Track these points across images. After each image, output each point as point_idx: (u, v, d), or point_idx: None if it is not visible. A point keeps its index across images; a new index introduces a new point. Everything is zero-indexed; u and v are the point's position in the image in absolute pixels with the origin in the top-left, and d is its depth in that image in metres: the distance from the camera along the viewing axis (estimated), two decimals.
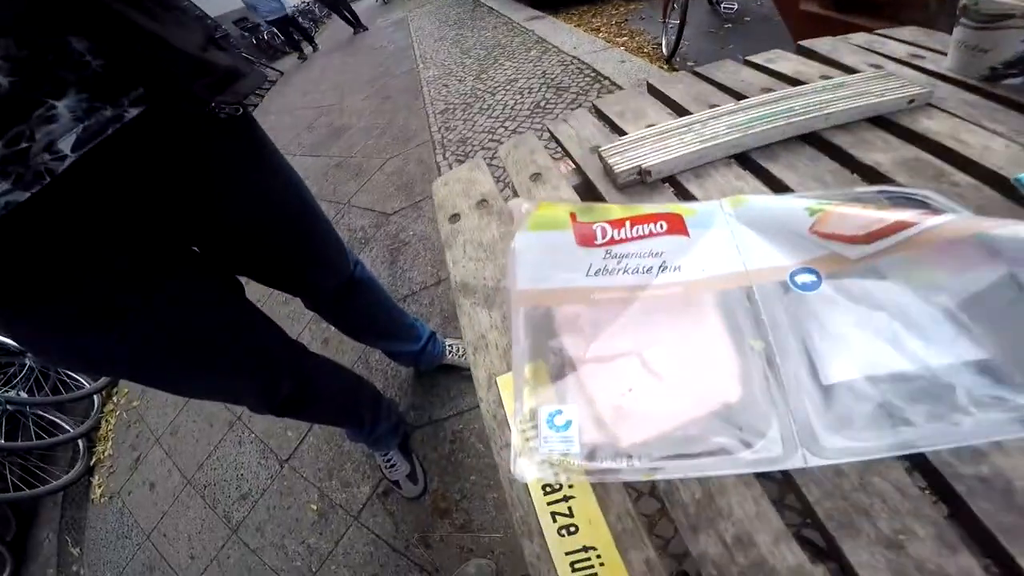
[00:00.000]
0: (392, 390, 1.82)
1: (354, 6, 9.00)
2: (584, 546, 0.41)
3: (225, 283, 0.97)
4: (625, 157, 0.60)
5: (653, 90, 0.84)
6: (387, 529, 1.50)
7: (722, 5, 4.38)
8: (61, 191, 0.65)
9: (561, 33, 4.66)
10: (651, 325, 0.37)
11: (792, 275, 0.37)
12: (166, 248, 0.84)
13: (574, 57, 3.88)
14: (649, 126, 0.68)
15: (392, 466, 1.53)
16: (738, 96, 0.76)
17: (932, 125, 0.65)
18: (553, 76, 3.73)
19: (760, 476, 0.35)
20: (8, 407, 2.28)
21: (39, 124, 0.62)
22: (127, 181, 0.75)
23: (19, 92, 0.61)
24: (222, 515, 1.78)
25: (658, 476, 0.32)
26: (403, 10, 9.99)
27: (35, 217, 0.65)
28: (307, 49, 9.26)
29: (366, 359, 1.98)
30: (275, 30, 9.25)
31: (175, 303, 0.81)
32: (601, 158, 0.63)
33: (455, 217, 0.66)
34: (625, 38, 4.42)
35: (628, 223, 0.40)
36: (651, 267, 0.39)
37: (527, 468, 0.35)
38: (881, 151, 0.62)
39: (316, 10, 11.09)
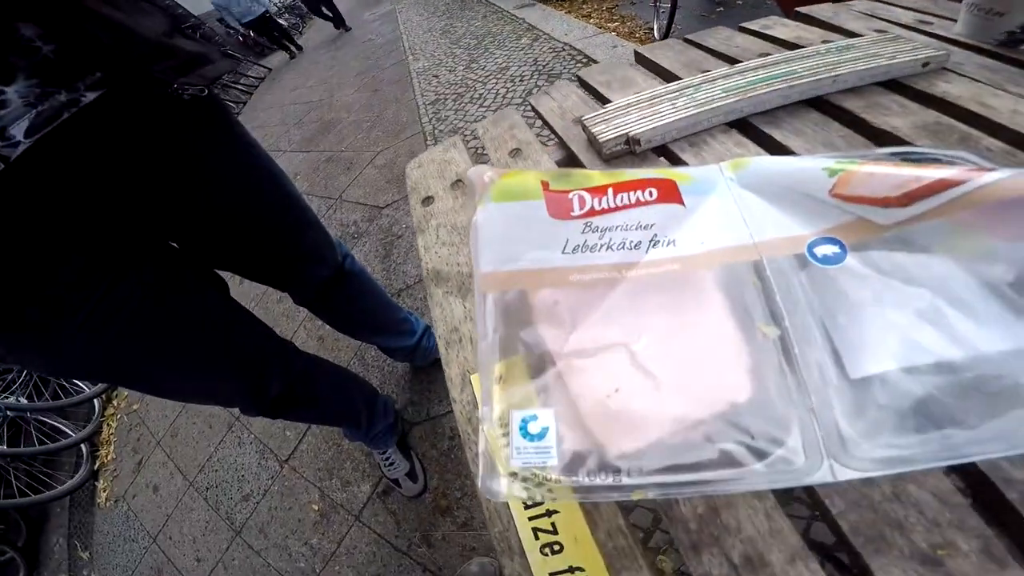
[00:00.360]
0: (389, 387, 1.79)
1: (338, 2, 8.49)
2: (570, 566, 0.36)
3: (205, 278, 0.95)
4: (611, 125, 0.54)
5: (641, 58, 0.78)
6: (389, 528, 1.48)
7: None
8: (16, 179, 0.62)
9: (552, 20, 4.61)
10: (641, 311, 0.31)
11: (811, 246, 0.31)
12: (138, 242, 0.81)
13: (565, 44, 3.85)
14: (638, 93, 0.63)
15: (391, 464, 1.50)
16: (732, 62, 0.71)
17: (951, 89, 0.60)
18: (545, 63, 3.69)
19: (783, 488, 0.29)
20: (9, 413, 2.30)
21: None
22: (90, 169, 0.73)
23: None
24: (225, 516, 1.78)
25: (651, 494, 0.27)
26: (391, 2, 9.93)
27: None
28: (292, 49, 8.65)
29: (362, 356, 1.95)
30: (251, 33, 8.71)
31: (147, 299, 0.78)
32: (585, 128, 0.57)
33: (428, 200, 0.60)
34: (616, 23, 4.37)
35: (611, 191, 0.34)
36: (640, 241, 0.32)
37: (498, 484, 0.29)
38: (897, 115, 0.56)
39: (300, 5, 10.47)
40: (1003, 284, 0.27)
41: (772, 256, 0.30)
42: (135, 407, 2.46)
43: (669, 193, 0.34)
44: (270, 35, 8.51)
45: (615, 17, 4.52)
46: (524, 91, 3.40)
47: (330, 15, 8.60)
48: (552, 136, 0.66)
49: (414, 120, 3.72)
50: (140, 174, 0.79)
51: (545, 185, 0.34)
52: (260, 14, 7.90)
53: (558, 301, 0.32)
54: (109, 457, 2.31)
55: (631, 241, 0.32)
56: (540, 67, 3.65)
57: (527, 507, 0.38)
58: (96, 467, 2.30)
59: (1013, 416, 0.25)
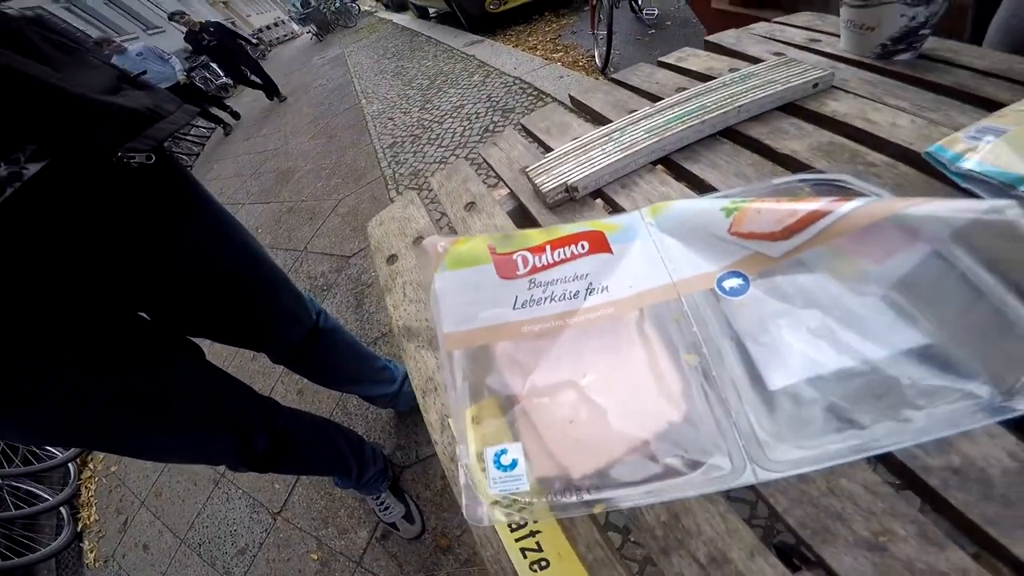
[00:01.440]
0: (375, 433, 1.79)
1: (286, 47, 7.64)
2: None
3: (179, 346, 0.93)
4: (551, 175, 0.59)
5: (576, 102, 0.85)
6: (392, 572, 1.46)
7: (644, 12, 4.57)
8: None
9: (501, 55, 4.74)
10: (585, 351, 0.36)
11: (719, 281, 0.36)
12: (105, 314, 0.79)
13: (515, 78, 3.96)
14: (574, 139, 0.68)
15: (386, 509, 1.49)
16: (654, 98, 0.77)
17: (839, 107, 0.67)
18: (498, 99, 3.78)
19: (720, 491, 0.34)
20: None
21: None
22: (43, 243, 0.70)
23: None
24: (222, 571, 1.73)
25: (613, 507, 0.31)
26: (339, 46, 9.88)
27: None
28: (226, 120, 7.42)
29: (344, 405, 1.94)
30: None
31: (121, 371, 0.76)
32: (529, 179, 0.62)
33: (392, 258, 0.64)
34: (561, 53, 4.56)
35: (548, 248, 0.39)
36: (578, 291, 0.38)
37: (481, 511, 0.33)
38: (796, 138, 0.63)
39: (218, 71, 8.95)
40: (879, 297, 0.33)
41: (688, 293, 0.36)
42: (113, 469, 2.40)
43: (599, 244, 0.39)
44: (201, 108, 6.99)
45: (559, 47, 4.70)
46: (480, 128, 3.46)
47: (259, 82, 7.57)
48: (502, 184, 0.72)
49: (373, 165, 3.75)
50: (98, 248, 0.76)
51: (492, 249, 0.39)
52: (175, 83, 6.47)
53: (515, 350, 0.37)
54: (92, 519, 2.23)
55: (570, 291, 0.37)
56: (494, 103, 3.72)
57: (512, 529, 0.42)
58: (79, 529, 2.22)
59: (902, 413, 0.30)
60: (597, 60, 3.81)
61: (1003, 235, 0.30)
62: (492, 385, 0.37)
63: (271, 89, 7.49)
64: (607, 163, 0.58)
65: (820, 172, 0.45)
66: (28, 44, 0.69)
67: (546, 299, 0.38)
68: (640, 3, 4.61)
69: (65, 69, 0.71)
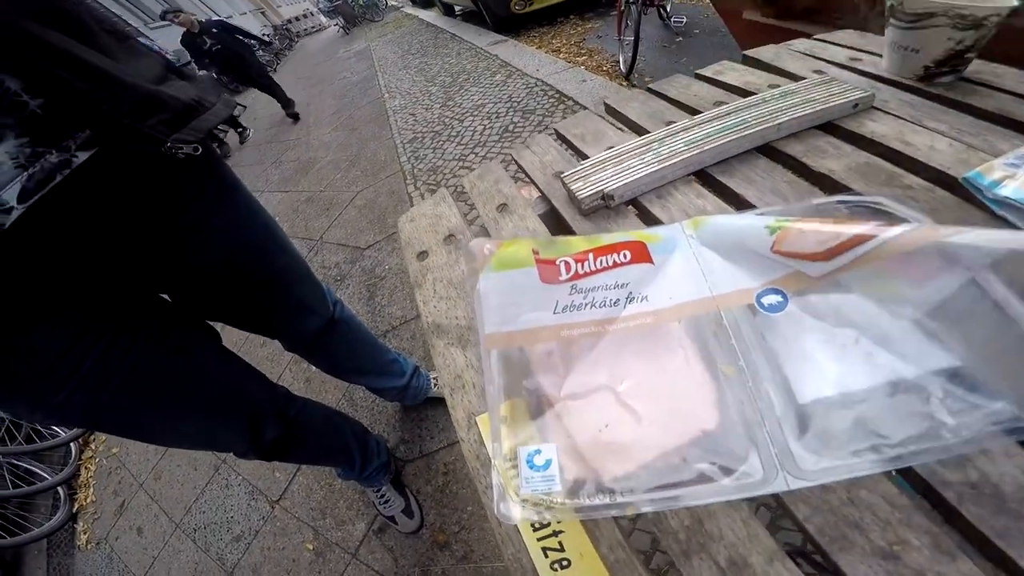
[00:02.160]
0: (380, 426, 1.80)
1: (313, 39, 7.25)
2: None
3: (198, 330, 0.95)
4: (587, 182, 0.60)
5: (611, 110, 0.86)
6: (387, 565, 1.48)
7: (672, 20, 4.55)
8: (10, 245, 0.61)
9: (524, 56, 4.76)
10: (623, 358, 0.37)
11: (759, 297, 0.37)
12: (130, 295, 0.81)
13: (538, 79, 3.98)
14: (609, 148, 0.69)
15: (386, 502, 1.51)
16: (692, 111, 0.78)
17: (878, 128, 0.67)
18: (519, 99, 3.80)
19: (748, 498, 0.35)
20: None
21: None
22: (83, 231, 0.72)
23: None
24: (215, 558, 1.75)
25: (643, 509, 0.32)
26: (365, 40, 9.95)
27: None
28: (227, 138, 6.38)
29: (351, 396, 1.96)
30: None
31: (145, 354, 0.77)
32: (564, 184, 0.63)
33: (423, 255, 0.65)
34: (584, 57, 4.56)
35: (591, 255, 0.40)
36: (618, 299, 0.39)
37: (511, 509, 0.34)
38: (833, 158, 0.63)
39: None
40: (914, 319, 0.34)
41: (728, 307, 0.37)
42: (114, 450, 2.43)
43: (640, 254, 0.40)
44: None
45: (583, 51, 4.71)
46: (500, 128, 3.48)
47: (270, 93, 6.40)
48: (529, 184, 0.73)
49: (392, 159, 3.77)
50: (135, 233, 0.77)
51: (536, 253, 0.41)
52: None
53: (552, 353, 0.38)
54: (88, 500, 2.26)
55: (611, 299, 0.38)
56: (514, 103, 3.74)
57: (535, 529, 0.43)
58: (75, 510, 2.24)
59: (930, 428, 0.31)
60: (622, 66, 3.83)
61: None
62: (528, 386, 0.38)
63: (284, 102, 6.46)
64: (644, 173, 0.59)
65: (859, 194, 0.46)
66: (86, 30, 0.70)
67: (587, 305, 0.39)
68: (668, 11, 4.59)
69: (119, 56, 0.73)
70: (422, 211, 0.74)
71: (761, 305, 0.37)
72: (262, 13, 24.97)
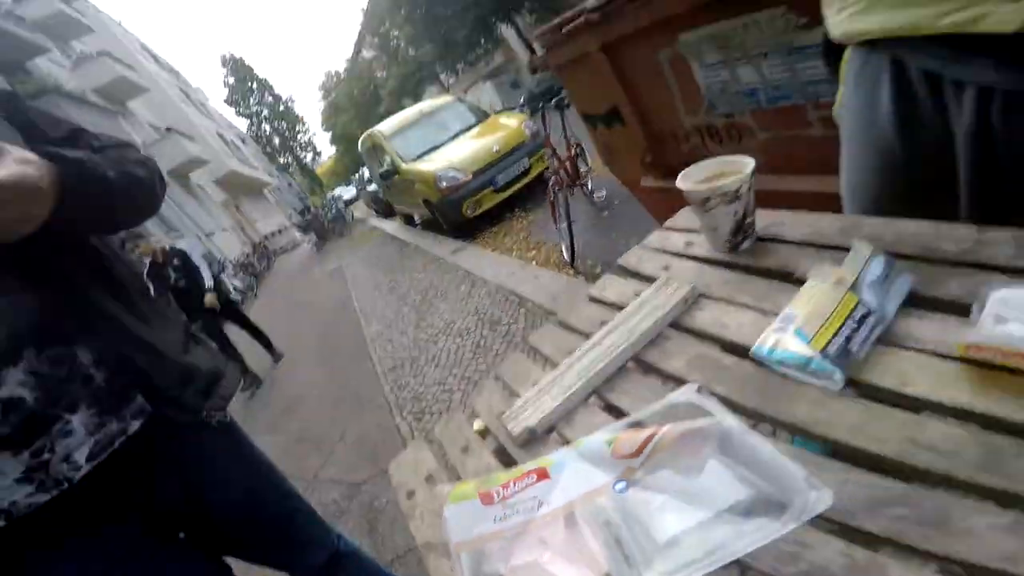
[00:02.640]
0: None
1: (290, 256, 6.91)
2: None
3: (211, 565, 1.05)
4: (518, 421, 0.83)
5: (530, 349, 1.08)
6: None
7: (594, 195, 4.91)
8: (75, 493, 0.71)
9: (482, 262, 5.14)
10: (543, 541, 0.59)
11: (614, 485, 0.61)
12: (153, 533, 0.89)
13: (498, 286, 4.33)
14: (534, 384, 0.91)
15: None
16: (587, 335, 0.92)
17: (703, 317, 0.79)
18: (484, 311, 4.10)
19: None
20: None
21: (58, 437, 0.69)
22: (129, 480, 0.81)
23: (42, 407, 0.67)
24: None
25: None
26: (337, 258, 10.73)
27: (49, 516, 0.71)
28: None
29: None
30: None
31: None
32: (503, 424, 0.86)
33: (411, 494, 0.86)
34: (534, 251, 4.94)
35: (512, 482, 0.66)
36: (533, 506, 0.63)
37: None
38: (677, 356, 0.76)
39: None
40: (706, 470, 0.57)
41: (599, 497, 0.61)
42: None
43: (542, 474, 0.66)
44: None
45: (531, 245, 5.13)
46: (472, 344, 3.74)
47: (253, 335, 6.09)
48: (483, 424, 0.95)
49: (377, 391, 3.94)
50: (166, 482, 0.87)
51: (477, 488, 0.66)
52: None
53: (498, 546, 0.60)
54: None
55: (528, 507, 0.63)
56: (481, 315, 4.05)
57: None
58: None
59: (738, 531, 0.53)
60: (564, 254, 4.13)
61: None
62: (487, 570, 0.59)
63: (265, 343, 6.12)
64: (554, 405, 0.81)
65: (691, 383, 0.68)
66: (126, 291, 0.83)
67: (513, 514, 0.63)
68: (590, 187, 4.91)
69: (152, 322, 0.85)
70: (406, 458, 0.96)
71: (616, 491, 0.61)
72: (242, 230, 25.11)
